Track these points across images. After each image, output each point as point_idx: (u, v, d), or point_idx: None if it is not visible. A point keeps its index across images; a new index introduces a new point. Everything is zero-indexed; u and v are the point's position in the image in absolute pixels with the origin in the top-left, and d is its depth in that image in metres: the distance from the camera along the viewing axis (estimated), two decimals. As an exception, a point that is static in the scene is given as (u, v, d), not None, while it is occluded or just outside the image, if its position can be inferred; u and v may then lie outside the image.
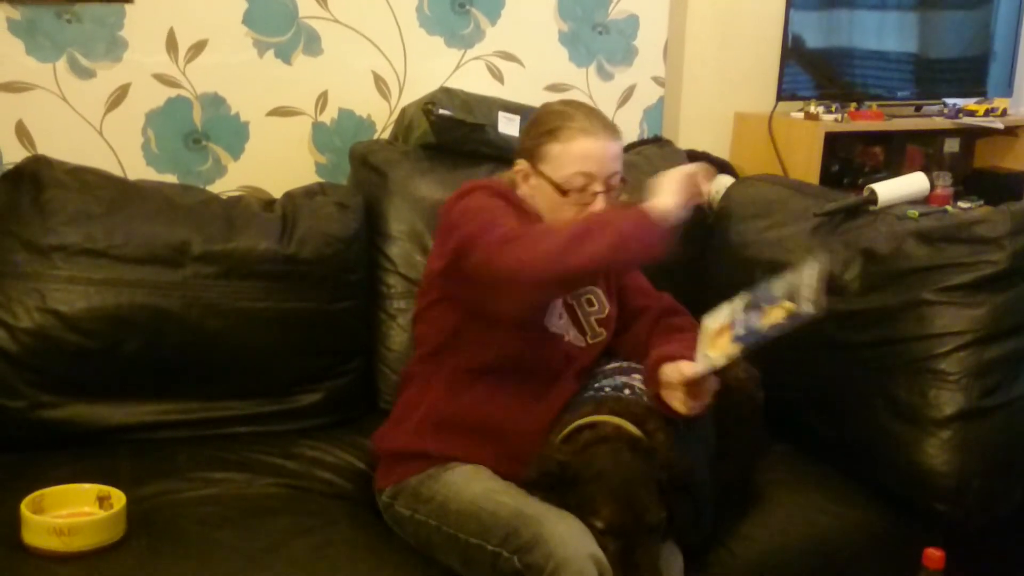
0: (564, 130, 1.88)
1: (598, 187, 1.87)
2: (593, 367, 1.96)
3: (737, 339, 1.70)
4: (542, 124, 1.93)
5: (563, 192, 1.87)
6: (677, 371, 1.76)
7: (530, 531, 1.62)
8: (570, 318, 1.95)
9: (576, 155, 1.86)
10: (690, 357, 1.75)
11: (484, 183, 1.96)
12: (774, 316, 1.67)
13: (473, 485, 1.78)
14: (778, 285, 1.70)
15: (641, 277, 2.10)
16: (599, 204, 1.87)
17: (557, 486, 1.69)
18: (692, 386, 1.75)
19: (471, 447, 1.85)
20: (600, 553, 1.60)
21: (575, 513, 1.66)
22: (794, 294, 1.66)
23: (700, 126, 3.06)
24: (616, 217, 1.73)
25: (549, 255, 1.67)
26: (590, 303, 1.98)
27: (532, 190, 1.93)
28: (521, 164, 1.95)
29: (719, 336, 1.74)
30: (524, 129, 2.03)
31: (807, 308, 1.63)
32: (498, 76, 2.77)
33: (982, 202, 3.04)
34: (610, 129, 1.92)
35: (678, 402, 1.76)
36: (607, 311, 2.00)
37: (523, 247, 1.70)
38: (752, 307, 1.72)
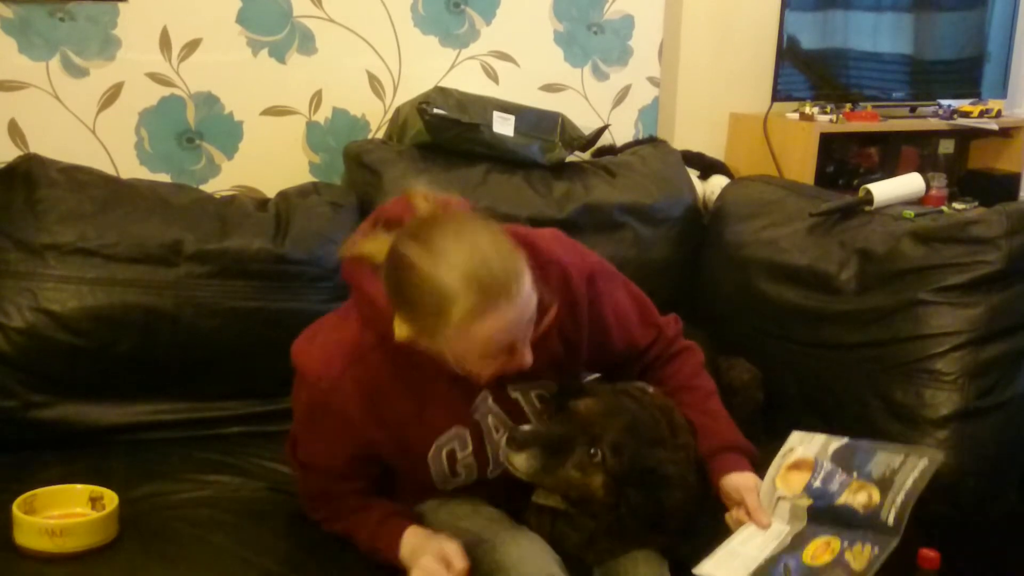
0: (451, 320, 1.45)
1: (518, 345, 1.55)
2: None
3: (810, 491, 1.64)
4: (419, 306, 1.49)
5: (477, 379, 1.59)
6: (738, 493, 1.69)
7: (487, 557, 1.61)
8: (513, 421, 1.73)
9: (478, 346, 1.50)
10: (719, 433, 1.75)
11: (318, 382, 1.64)
12: (857, 499, 1.59)
13: (440, 513, 1.76)
14: (881, 460, 1.63)
15: (626, 338, 1.83)
16: (524, 357, 1.57)
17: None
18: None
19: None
20: (561, 574, 1.59)
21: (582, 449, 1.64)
22: (887, 487, 1.58)
23: (695, 126, 3.06)
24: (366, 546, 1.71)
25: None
26: (542, 399, 1.76)
27: (429, 349, 1.56)
28: (402, 332, 1.54)
29: (797, 470, 1.67)
30: (394, 297, 1.52)
31: (887, 517, 1.55)
32: (493, 76, 2.76)
33: (977, 203, 3.05)
34: (504, 285, 1.46)
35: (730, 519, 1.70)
36: None
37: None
38: (844, 462, 1.64)
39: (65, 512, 1.74)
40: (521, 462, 1.62)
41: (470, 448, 1.72)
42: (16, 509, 1.68)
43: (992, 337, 1.98)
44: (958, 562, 1.62)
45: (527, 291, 1.49)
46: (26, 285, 2.04)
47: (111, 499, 1.75)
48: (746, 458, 1.76)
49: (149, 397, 2.12)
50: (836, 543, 1.58)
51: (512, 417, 1.72)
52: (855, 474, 1.63)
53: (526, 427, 1.67)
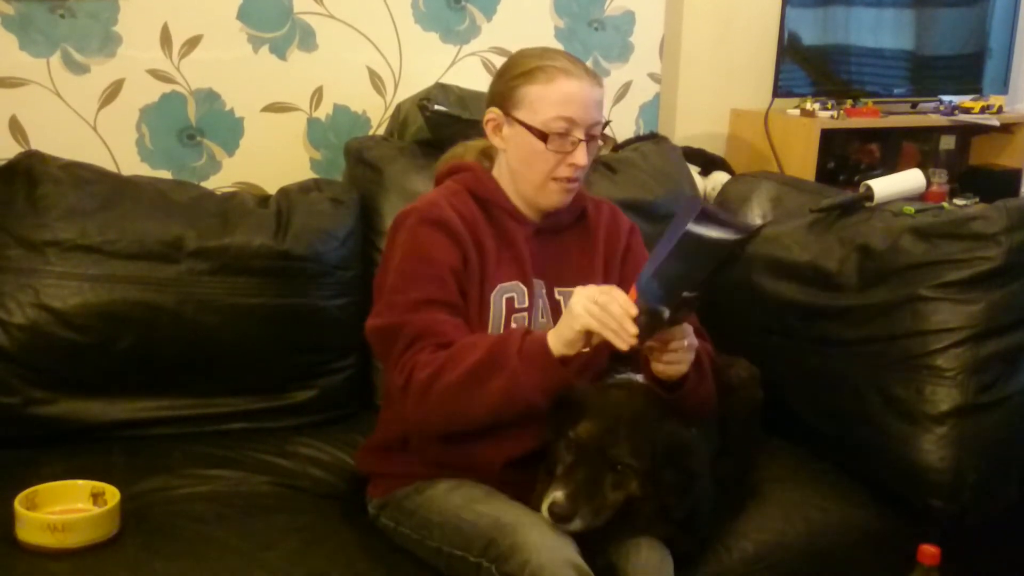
0: (542, 71, 1.77)
1: (580, 134, 1.77)
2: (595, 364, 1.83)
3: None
4: (517, 67, 1.81)
5: (543, 137, 1.76)
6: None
7: (507, 540, 1.61)
8: (555, 321, 1.77)
9: (556, 97, 1.76)
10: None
11: (424, 207, 1.81)
12: None
13: (454, 496, 1.75)
14: None
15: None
16: (581, 155, 1.78)
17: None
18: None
19: (469, 464, 1.78)
20: (579, 559, 1.58)
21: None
22: None
23: (696, 123, 3.07)
24: (513, 353, 1.63)
25: (433, 412, 1.68)
26: None
27: (505, 141, 1.83)
28: (492, 112, 1.84)
29: None
30: (496, 75, 1.89)
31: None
32: (493, 72, 2.75)
33: (977, 199, 3.04)
34: (592, 75, 1.81)
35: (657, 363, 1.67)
36: None
37: (413, 395, 1.67)
38: None
39: (67, 508, 1.74)
40: (578, 526, 1.63)
41: (527, 304, 1.83)
42: (18, 505, 1.69)
43: (992, 333, 1.98)
44: (958, 558, 1.63)
45: (602, 96, 1.82)
46: (27, 281, 2.04)
47: (113, 495, 1.75)
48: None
49: (151, 393, 2.12)
50: None
51: (552, 315, 1.84)
52: None
53: (558, 496, 1.63)
